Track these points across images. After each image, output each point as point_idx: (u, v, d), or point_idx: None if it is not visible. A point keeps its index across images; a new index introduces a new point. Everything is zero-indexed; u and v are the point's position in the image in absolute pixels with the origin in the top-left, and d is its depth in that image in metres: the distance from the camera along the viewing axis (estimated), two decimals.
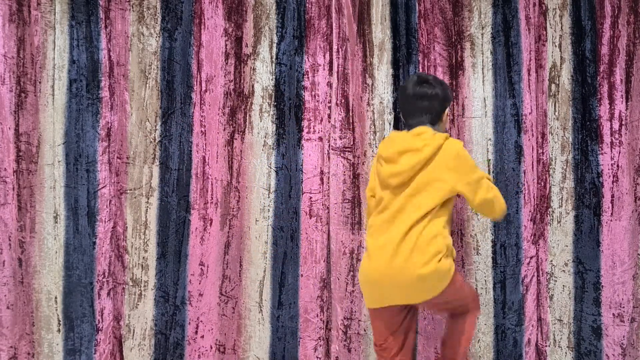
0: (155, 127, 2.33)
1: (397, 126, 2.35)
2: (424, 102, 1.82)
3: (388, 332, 1.84)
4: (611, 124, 2.32)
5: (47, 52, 2.27)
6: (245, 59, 2.37)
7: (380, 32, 2.35)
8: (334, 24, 2.30)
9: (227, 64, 2.36)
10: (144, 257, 2.32)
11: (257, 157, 2.36)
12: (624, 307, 2.28)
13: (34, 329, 2.28)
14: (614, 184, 2.31)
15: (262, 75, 2.36)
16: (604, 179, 2.31)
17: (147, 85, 2.32)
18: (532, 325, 2.33)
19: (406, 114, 1.88)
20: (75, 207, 2.28)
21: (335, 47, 2.30)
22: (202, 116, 2.34)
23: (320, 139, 2.36)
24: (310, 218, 2.34)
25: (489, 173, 2.33)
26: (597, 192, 2.32)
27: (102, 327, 2.29)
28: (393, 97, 2.36)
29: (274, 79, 2.37)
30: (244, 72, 2.37)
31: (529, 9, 2.34)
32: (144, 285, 2.32)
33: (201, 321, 2.33)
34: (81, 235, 2.28)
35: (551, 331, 2.34)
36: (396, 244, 1.71)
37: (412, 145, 1.76)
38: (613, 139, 2.31)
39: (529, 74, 2.33)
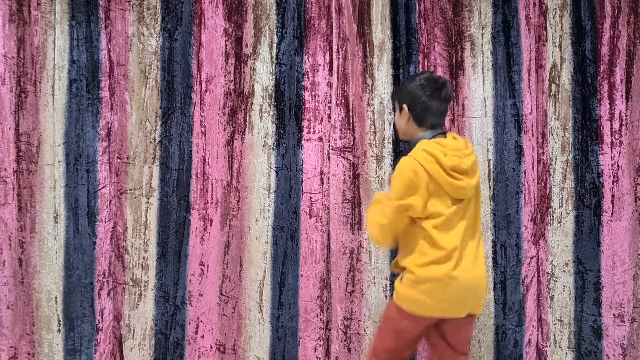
0: (155, 127, 2.33)
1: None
2: (447, 106, 1.81)
3: (417, 343, 1.85)
4: (611, 124, 2.32)
5: (47, 52, 2.27)
6: (245, 59, 2.37)
7: (380, 32, 2.35)
8: (334, 24, 2.30)
9: (227, 64, 2.36)
10: (144, 257, 2.32)
11: (257, 157, 2.36)
12: (624, 307, 2.28)
13: (34, 329, 2.28)
14: (614, 184, 2.30)
15: (262, 75, 2.36)
16: (604, 179, 2.31)
17: (147, 85, 2.32)
18: (533, 326, 2.33)
19: (430, 115, 1.77)
20: (75, 207, 2.28)
21: (335, 47, 2.30)
22: (202, 116, 2.34)
23: (320, 139, 2.36)
24: (310, 218, 2.34)
25: (489, 173, 2.33)
26: (597, 192, 2.32)
27: (102, 327, 2.29)
28: None
29: (274, 79, 2.37)
30: (244, 72, 2.37)
31: (529, 9, 2.34)
32: (144, 285, 2.32)
33: (201, 321, 2.33)
34: (81, 235, 2.28)
35: (552, 331, 2.34)
36: (475, 254, 1.74)
37: (474, 156, 1.76)
38: (613, 139, 2.31)
39: (529, 74, 2.33)
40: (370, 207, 1.85)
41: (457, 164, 1.68)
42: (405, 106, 1.79)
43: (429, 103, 1.75)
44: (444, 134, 1.79)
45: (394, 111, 1.88)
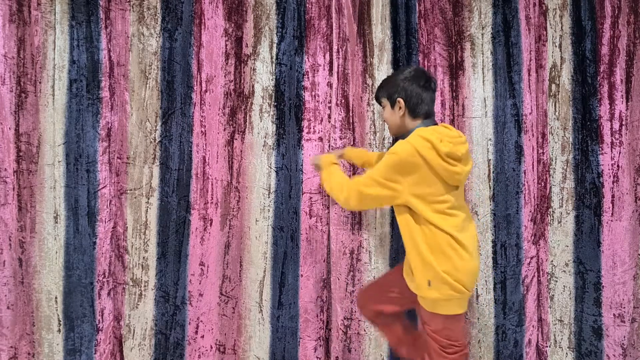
0: (156, 127, 2.33)
1: None
2: (435, 95, 1.87)
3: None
4: (611, 124, 2.32)
5: (47, 52, 2.27)
6: (246, 59, 2.37)
7: (380, 32, 2.35)
8: (334, 24, 2.30)
9: (227, 64, 2.36)
10: (144, 257, 2.32)
11: (257, 157, 2.36)
12: (624, 308, 2.28)
13: (34, 329, 2.28)
14: (615, 184, 2.30)
15: (262, 75, 2.36)
16: (605, 179, 2.31)
17: (147, 85, 2.33)
18: (533, 326, 2.33)
19: (424, 105, 1.81)
20: (75, 207, 2.28)
21: (335, 47, 2.30)
22: (202, 116, 2.34)
23: (320, 139, 2.36)
24: (310, 218, 2.34)
25: (489, 173, 2.33)
26: (597, 192, 2.32)
27: (103, 327, 2.29)
28: None
29: (274, 79, 2.37)
30: (244, 72, 2.37)
31: (529, 9, 2.34)
32: (144, 285, 2.32)
33: (201, 321, 2.33)
34: (81, 235, 2.28)
35: (552, 332, 2.34)
36: (474, 235, 1.81)
37: (467, 145, 1.79)
38: (613, 139, 2.31)
39: (529, 74, 2.33)
40: (330, 177, 1.90)
41: (453, 151, 1.70)
42: (400, 100, 1.80)
43: (422, 94, 1.80)
44: (436, 124, 1.83)
45: (383, 108, 1.90)
